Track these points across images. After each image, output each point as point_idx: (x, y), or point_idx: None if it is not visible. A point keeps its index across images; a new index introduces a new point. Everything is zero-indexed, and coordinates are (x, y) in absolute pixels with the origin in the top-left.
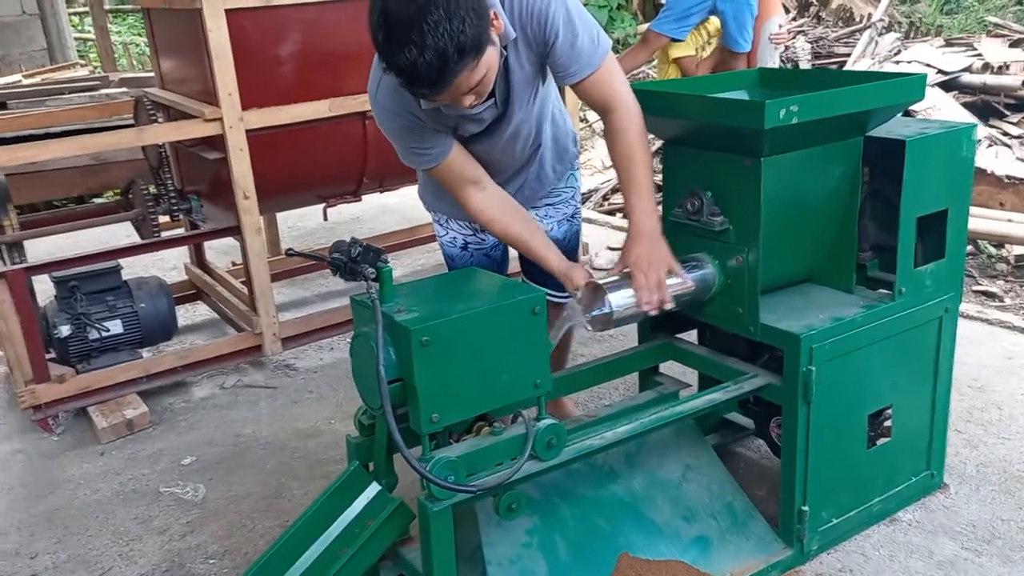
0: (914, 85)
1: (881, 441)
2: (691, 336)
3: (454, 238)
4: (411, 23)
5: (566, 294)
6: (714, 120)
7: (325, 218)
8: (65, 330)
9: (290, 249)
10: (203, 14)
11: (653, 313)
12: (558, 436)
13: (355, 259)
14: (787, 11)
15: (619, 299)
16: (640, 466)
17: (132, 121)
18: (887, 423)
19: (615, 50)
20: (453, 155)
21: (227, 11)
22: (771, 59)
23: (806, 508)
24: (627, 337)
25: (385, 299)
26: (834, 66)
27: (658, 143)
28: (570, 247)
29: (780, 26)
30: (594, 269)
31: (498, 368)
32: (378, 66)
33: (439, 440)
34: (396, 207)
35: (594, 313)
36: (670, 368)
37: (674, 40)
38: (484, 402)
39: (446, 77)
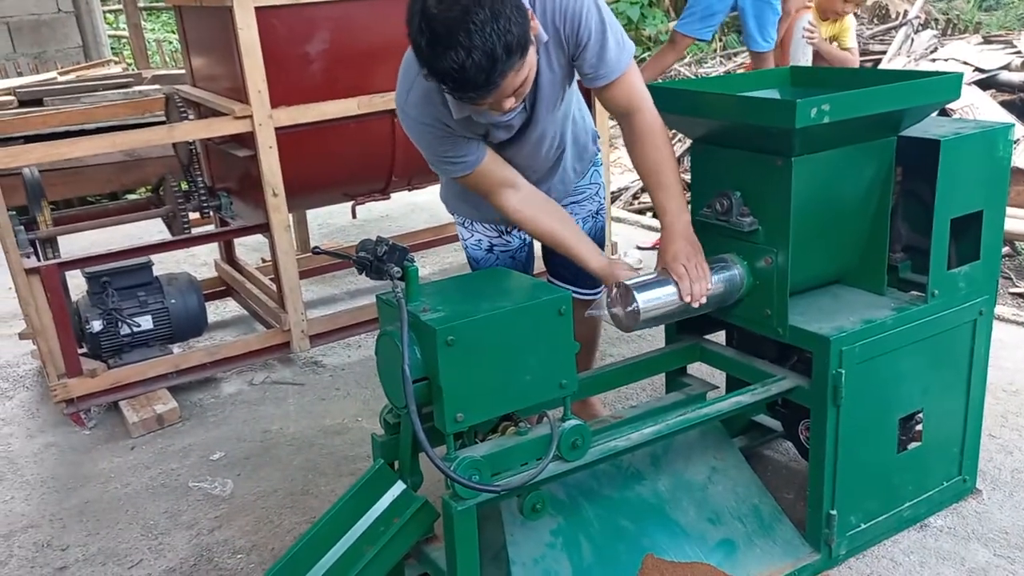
0: (949, 84)
1: (912, 445)
2: (719, 337)
3: (479, 240)
4: (456, 25)
5: (594, 291)
6: (744, 119)
7: (354, 216)
8: (97, 325)
9: (316, 247)
10: (233, 12)
11: (695, 306)
12: (583, 437)
13: (381, 258)
14: None
15: (648, 297)
16: (666, 467)
17: (164, 118)
18: (918, 427)
19: (647, 48)
20: (486, 161)
21: (257, 9)
22: (804, 57)
23: (834, 512)
24: (655, 338)
25: (411, 298)
26: (869, 64)
27: (687, 143)
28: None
29: (811, 22)
30: None
31: (523, 368)
32: (407, 76)
33: (465, 439)
34: (425, 205)
35: (625, 311)
36: (698, 370)
37: (700, 40)
38: (509, 402)
39: (494, 78)
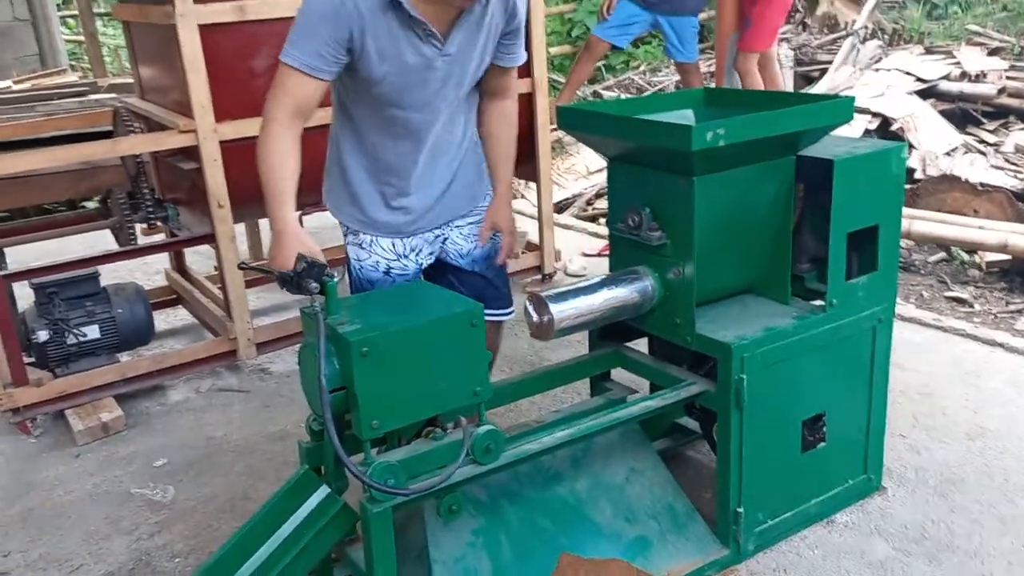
0: (841, 108)
1: (819, 445)
2: (643, 344)
3: (377, 262)
4: None
5: (500, 312)
6: (647, 142)
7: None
8: (43, 335)
9: (242, 263)
10: (177, 29)
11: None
12: (496, 441)
13: (300, 274)
14: None
15: (562, 309)
16: (585, 469)
17: (112, 129)
18: (825, 428)
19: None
20: (320, 87)
21: (201, 26)
22: (739, 83)
23: (741, 510)
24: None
25: (331, 311)
26: (816, 73)
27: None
28: (495, 255)
29: None
30: (568, 275)
31: (437, 377)
32: None
33: (389, 444)
34: None
35: (541, 320)
36: (629, 378)
37: (616, 47)
38: (423, 409)
39: None
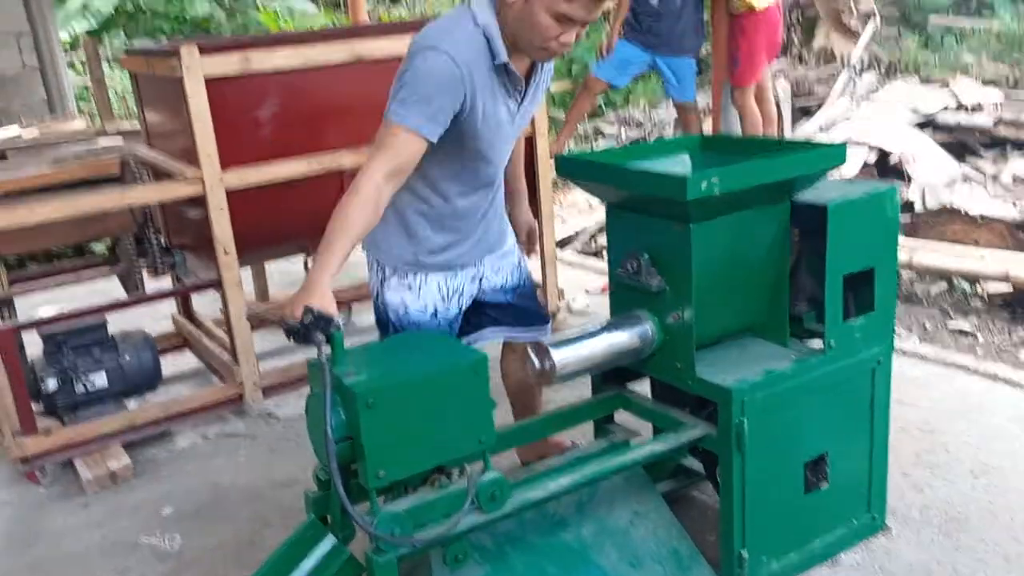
0: (833, 154)
1: (823, 486)
2: (644, 385)
3: (425, 306)
4: None
5: (545, 327)
6: (644, 191)
7: (306, 269)
8: (52, 384)
9: (248, 313)
10: (184, 83)
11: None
12: (501, 489)
13: (307, 326)
14: None
15: (564, 355)
16: (590, 514)
17: (119, 175)
18: (828, 469)
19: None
20: (425, 148)
21: (207, 79)
22: (733, 119)
23: (745, 553)
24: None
25: (337, 362)
26: (814, 105)
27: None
28: (528, 288)
29: None
30: (571, 312)
31: (442, 426)
32: (458, 25)
33: (395, 492)
34: None
35: (542, 367)
36: (630, 418)
37: (614, 87)
38: (429, 459)
39: None
